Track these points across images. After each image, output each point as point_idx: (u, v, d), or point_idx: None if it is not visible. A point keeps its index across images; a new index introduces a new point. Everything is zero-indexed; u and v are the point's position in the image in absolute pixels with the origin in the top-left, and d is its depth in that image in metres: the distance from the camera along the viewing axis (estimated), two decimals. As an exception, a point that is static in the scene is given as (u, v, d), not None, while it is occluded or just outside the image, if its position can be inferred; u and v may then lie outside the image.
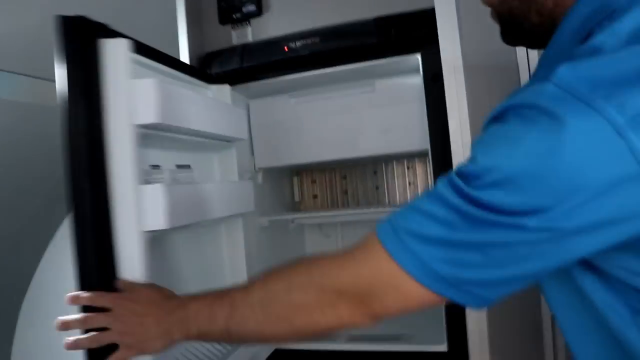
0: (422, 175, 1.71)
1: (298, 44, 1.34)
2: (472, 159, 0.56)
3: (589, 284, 0.60)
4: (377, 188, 1.74)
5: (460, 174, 0.56)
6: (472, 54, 1.19)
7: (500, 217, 0.52)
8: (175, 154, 1.25)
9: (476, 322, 1.23)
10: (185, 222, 1.03)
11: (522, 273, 0.55)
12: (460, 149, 1.19)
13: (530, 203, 0.51)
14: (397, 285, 0.61)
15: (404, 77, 1.44)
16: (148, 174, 1.12)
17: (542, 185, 0.50)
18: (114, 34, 0.92)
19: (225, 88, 1.37)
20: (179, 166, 1.26)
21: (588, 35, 0.57)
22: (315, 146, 1.52)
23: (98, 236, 0.86)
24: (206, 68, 1.43)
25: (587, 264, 0.59)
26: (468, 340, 1.26)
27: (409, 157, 1.68)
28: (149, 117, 0.92)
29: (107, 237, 0.87)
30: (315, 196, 1.83)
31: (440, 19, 1.21)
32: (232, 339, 0.77)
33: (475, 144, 0.58)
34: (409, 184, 1.70)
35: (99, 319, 0.79)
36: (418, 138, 1.42)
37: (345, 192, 1.79)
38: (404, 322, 1.51)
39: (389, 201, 1.73)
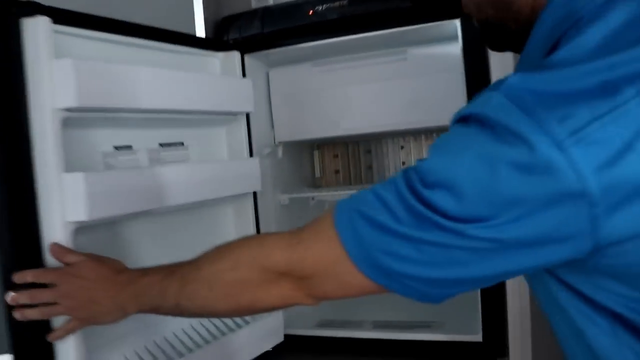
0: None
1: (324, 7, 1.22)
2: (429, 156, 0.56)
3: (563, 297, 0.59)
4: (403, 164, 1.63)
5: (417, 168, 0.56)
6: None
7: (441, 219, 0.52)
8: (159, 132, 1.16)
9: (518, 312, 1.13)
10: (121, 212, 0.94)
11: (462, 277, 0.55)
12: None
13: (470, 211, 0.51)
14: (337, 273, 0.61)
15: (438, 45, 1.31)
16: (109, 156, 1.05)
17: (482, 195, 0.50)
18: (39, 10, 0.85)
19: (234, 55, 1.26)
20: (166, 144, 1.17)
21: (556, 44, 0.56)
22: (339, 118, 1.40)
23: (20, 228, 0.84)
24: (223, 34, 1.31)
25: (557, 277, 0.59)
26: (508, 331, 1.17)
27: (440, 132, 1.56)
28: (70, 100, 0.85)
29: (31, 228, 0.85)
30: (337, 171, 1.72)
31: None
32: (183, 313, 0.79)
33: (436, 142, 0.58)
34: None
35: (47, 294, 0.81)
36: (452, 112, 1.30)
37: (370, 167, 1.69)
38: (434, 308, 1.42)
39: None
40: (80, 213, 0.86)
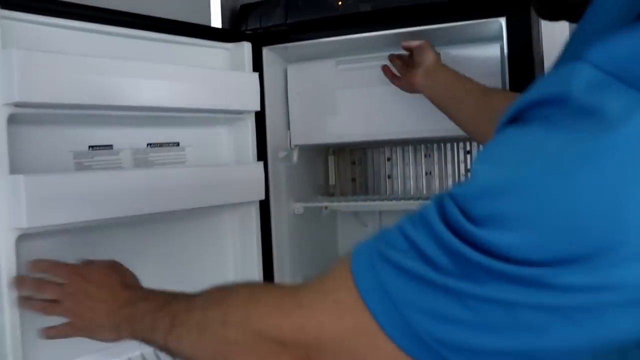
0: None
1: (355, -2, 1.10)
2: (474, 177, 0.40)
3: None
4: (428, 173, 1.51)
5: (456, 196, 0.39)
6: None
7: (506, 266, 0.35)
8: (150, 131, 1.07)
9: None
10: (70, 220, 0.85)
11: (536, 348, 0.36)
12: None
13: (557, 249, 0.33)
14: (356, 345, 0.43)
15: (476, 47, 1.20)
16: (83, 156, 0.96)
17: (577, 222, 0.33)
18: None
19: (243, 47, 1.14)
20: (156, 144, 1.07)
21: None
22: (363, 122, 1.28)
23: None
24: (241, 23, 1.19)
25: None
26: None
27: (468, 140, 1.45)
28: (15, 94, 0.78)
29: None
30: (353, 179, 1.60)
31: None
32: (171, 354, 0.68)
33: (481, 156, 0.41)
34: (467, 171, 1.48)
35: (52, 290, 0.78)
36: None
37: (389, 177, 1.57)
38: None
39: (441, 189, 1.51)
40: (21, 219, 0.78)
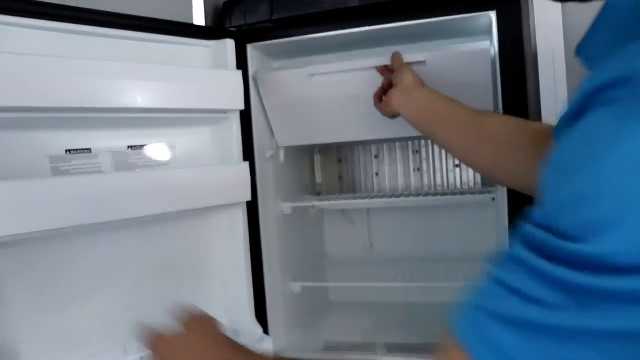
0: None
1: (343, -8, 1.07)
2: (551, 192, 0.35)
3: None
4: (417, 170, 1.50)
5: (539, 219, 0.35)
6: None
7: (618, 279, 0.30)
8: (130, 133, 1.04)
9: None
10: (47, 228, 0.81)
11: None
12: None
13: None
14: None
15: (466, 41, 1.19)
16: (59, 160, 0.93)
17: None
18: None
19: (226, 44, 1.11)
20: (138, 147, 1.05)
21: None
22: (343, 123, 1.25)
23: None
24: (225, 20, 1.15)
25: None
26: None
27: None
28: None
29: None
30: (340, 177, 1.58)
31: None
32: None
33: (551, 166, 0.36)
34: (456, 166, 1.47)
35: None
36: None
37: (377, 174, 1.55)
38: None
39: (430, 185, 1.50)
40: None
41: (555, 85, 0.94)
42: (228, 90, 1.06)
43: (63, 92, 0.84)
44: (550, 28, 0.94)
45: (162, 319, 0.73)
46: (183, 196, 0.99)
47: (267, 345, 1.11)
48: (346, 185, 1.58)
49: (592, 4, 0.91)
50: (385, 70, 1.10)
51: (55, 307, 0.93)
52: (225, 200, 1.06)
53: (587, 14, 0.91)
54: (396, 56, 1.07)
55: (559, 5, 0.93)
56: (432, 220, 1.51)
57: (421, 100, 0.94)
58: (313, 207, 1.49)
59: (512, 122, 0.86)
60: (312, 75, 1.19)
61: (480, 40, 1.18)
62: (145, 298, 1.05)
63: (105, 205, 0.88)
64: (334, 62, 1.26)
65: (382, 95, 1.07)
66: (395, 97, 0.99)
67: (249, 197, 1.10)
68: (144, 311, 1.04)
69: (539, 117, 0.96)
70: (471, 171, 1.48)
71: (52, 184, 0.84)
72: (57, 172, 0.93)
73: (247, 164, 1.10)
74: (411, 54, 1.08)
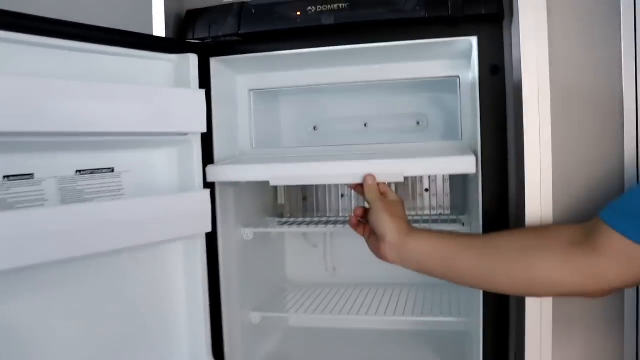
0: (440, 181, 1.42)
1: (320, 8, 0.99)
2: None
3: None
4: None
5: None
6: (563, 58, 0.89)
7: None
8: (79, 155, 0.93)
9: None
10: None
11: None
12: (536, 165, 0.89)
13: None
14: None
15: (443, 64, 1.13)
16: None
17: None
18: None
19: (188, 59, 1.01)
20: (85, 171, 0.94)
21: None
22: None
23: None
24: (187, 32, 1.06)
25: None
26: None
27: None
28: None
29: None
30: (304, 198, 1.50)
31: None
32: None
33: None
34: (425, 190, 1.41)
35: None
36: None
37: (342, 196, 1.48)
38: None
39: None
40: None
41: (539, 117, 0.90)
42: (190, 110, 0.96)
43: (7, 113, 0.72)
44: (535, 59, 0.89)
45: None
46: (139, 230, 0.89)
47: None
48: (309, 207, 1.50)
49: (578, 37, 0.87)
50: (358, 187, 0.97)
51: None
52: (184, 233, 0.97)
53: (574, 47, 0.88)
54: (370, 187, 0.93)
55: (544, 36, 0.88)
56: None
57: (418, 251, 0.84)
58: (272, 231, 1.41)
59: (528, 233, 0.83)
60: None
61: (457, 62, 1.14)
62: (95, 340, 0.94)
63: (49, 243, 0.77)
64: (302, 80, 1.19)
65: (360, 222, 0.95)
66: (389, 254, 0.87)
67: (209, 228, 1.01)
68: (96, 354, 0.94)
69: (521, 147, 0.91)
70: (440, 196, 1.43)
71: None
72: (-7, 201, 0.82)
73: (208, 192, 1.00)
74: (388, 170, 0.98)
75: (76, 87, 0.81)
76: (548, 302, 0.90)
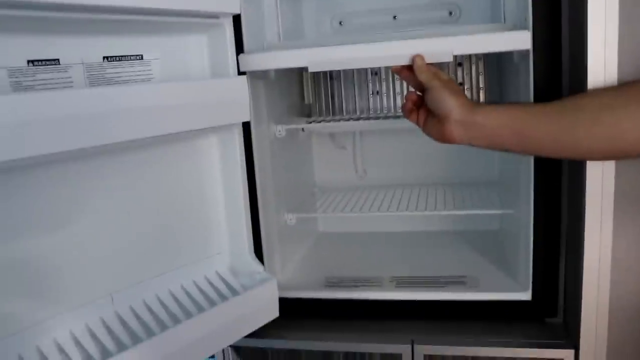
0: (474, 74, 1.35)
1: None
2: None
3: None
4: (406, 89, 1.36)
5: None
6: None
7: None
8: (105, 41, 0.86)
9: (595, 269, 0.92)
10: (6, 158, 0.65)
11: None
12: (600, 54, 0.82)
13: None
14: None
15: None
16: (20, 73, 0.76)
17: None
18: None
19: None
20: (115, 58, 0.87)
21: None
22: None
23: None
24: None
25: None
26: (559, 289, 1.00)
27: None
28: None
29: None
30: (332, 97, 1.43)
31: None
32: None
33: None
34: (460, 84, 1.35)
35: None
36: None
37: (377, 93, 1.41)
38: (464, 262, 1.22)
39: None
40: None
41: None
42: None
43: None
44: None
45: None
46: (174, 116, 0.83)
47: (269, 286, 1.00)
48: (338, 106, 1.43)
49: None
50: (404, 71, 0.90)
51: (24, 250, 0.78)
52: (221, 121, 0.91)
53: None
54: (421, 68, 0.87)
55: None
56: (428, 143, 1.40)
57: (489, 124, 0.78)
58: (302, 129, 1.35)
59: (607, 92, 0.78)
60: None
61: None
62: (131, 237, 0.91)
63: (79, 129, 0.71)
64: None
65: (413, 109, 0.89)
66: (456, 133, 0.81)
67: (247, 117, 0.95)
68: (133, 252, 0.91)
69: (582, 17, 0.84)
70: (475, 90, 1.36)
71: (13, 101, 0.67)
72: (17, 87, 0.75)
73: (245, 78, 0.94)
74: (436, 48, 0.90)
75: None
76: (610, 180, 0.86)
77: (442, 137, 0.83)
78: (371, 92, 1.41)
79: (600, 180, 0.86)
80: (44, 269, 0.80)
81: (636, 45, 0.81)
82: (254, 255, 1.04)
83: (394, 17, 1.33)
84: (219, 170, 1.02)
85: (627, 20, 0.81)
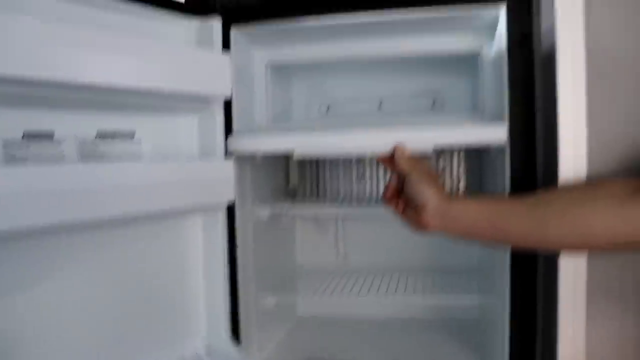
0: (456, 162, 1.40)
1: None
2: None
3: None
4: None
5: None
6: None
7: None
8: (99, 117, 0.90)
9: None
10: None
11: None
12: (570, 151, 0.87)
13: None
14: None
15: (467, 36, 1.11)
16: (14, 146, 0.78)
17: None
18: None
19: (212, 23, 0.99)
20: (106, 134, 0.90)
21: None
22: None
23: None
24: (208, -3, 1.02)
25: None
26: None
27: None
28: None
29: None
30: (317, 180, 1.46)
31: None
32: None
33: None
34: (442, 170, 1.39)
35: None
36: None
37: (361, 178, 1.44)
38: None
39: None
40: None
41: (573, 86, 0.88)
42: (215, 73, 0.93)
43: (16, 58, 0.68)
44: (570, 25, 0.87)
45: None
46: (160, 195, 0.85)
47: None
48: (322, 190, 1.46)
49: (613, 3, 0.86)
50: (386, 160, 0.94)
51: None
52: (207, 201, 0.93)
53: (610, 13, 0.87)
54: (401, 158, 0.90)
55: (580, 2, 0.87)
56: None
57: (464, 215, 0.81)
58: (286, 212, 1.37)
59: (576, 187, 0.82)
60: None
61: (479, 35, 1.12)
62: (108, 315, 0.90)
63: (68, 203, 0.73)
64: (319, 53, 1.16)
65: (393, 197, 0.91)
66: (432, 222, 0.83)
67: (232, 198, 0.97)
68: (109, 330, 0.89)
69: (551, 116, 0.89)
70: (455, 178, 1.41)
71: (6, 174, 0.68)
72: (11, 159, 0.77)
73: (231, 161, 0.97)
74: (417, 139, 0.95)
75: (101, 37, 0.77)
76: (582, 273, 0.88)
77: (419, 226, 0.86)
78: (356, 177, 1.45)
79: (572, 272, 0.88)
80: (6, 342, 0.78)
81: (603, 146, 0.85)
82: (231, 336, 1.03)
83: (380, 104, 1.39)
84: (201, 251, 1.03)
85: (594, 121, 0.86)
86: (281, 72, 1.27)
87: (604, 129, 0.86)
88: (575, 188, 0.81)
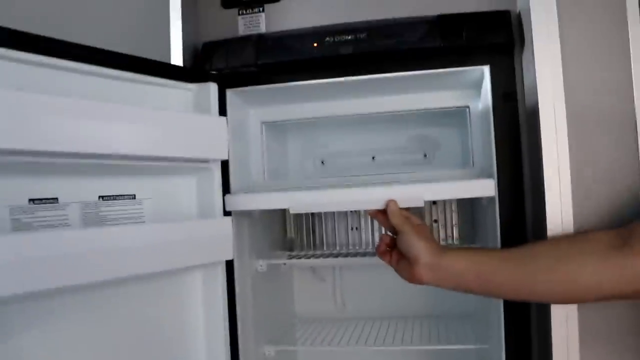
0: (448, 212, 1.43)
1: (338, 39, 1.02)
2: None
3: None
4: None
5: None
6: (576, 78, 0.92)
7: None
8: (101, 181, 0.93)
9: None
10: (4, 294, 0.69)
11: None
12: (557, 201, 0.91)
13: None
14: None
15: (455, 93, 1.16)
16: (22, 212, 0.81)
17: None
18: None
19: (209, 88, 1.03)
20: (108, 197, 0.94)
21: None
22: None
23: None
24: (205, 62, 1.08)
25: None
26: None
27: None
28: None
29: None
30: (313, 231, 1.49)
31: (537, 19, 0.93)
32: None
33: None
34: (434, 221, 1.42)
35: None
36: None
37: (356, 228, 1.47)
38: None
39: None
40: None
41: (556, 138, 0.92)
42: (212, 137, 0.97)
43: (24, 132, 0.72)
44: (550, 84, 0.92)
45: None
46: (162, 255, 0.88)
47: None
48: (319, 241, 1.49)
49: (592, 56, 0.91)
50: (379, 215, 0.97)
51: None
52: (206, 259, 0.96)
53: (587, 71, 0.91)
54: (393, 212, 0.94)
55: (558, 62, 0.91)
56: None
57: (455, 268, 0.84)
58: (284, 263, 1.40)
59: (563, 240, 0.85)
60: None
61: (467, 92, 1.17)
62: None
63: (72, 267, 0.76)
64: (313, 112, 1.21)
65: (387, 250, 0.94)
66: (424, 275, 0.86)
67: (230, 256, 1.00)
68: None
69: (537, 170, 0.93)
70: (449, 227, 1.43)
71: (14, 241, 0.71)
72: (18, 225, 0.80)
73: (229, 219, 1.00)
74: (408, 194, 0.98)
75: (102, 108, 0.81)
76: (574, 318, 0.90)
77: (412, 278, 0.88)
78: (350, 228, 1.48)
79: (564, 317, 0.90)
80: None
81: (587, 196, 0.89)
82: (230, 391, 1.04)
83: (373, 157, 1.43)
84: (201, 304, 1.05)
85: (578, 173, 0.90)
86: (276, 127, 1.32)
87: (588, 179, 0.90)
88: (562, 241, 0.84)
